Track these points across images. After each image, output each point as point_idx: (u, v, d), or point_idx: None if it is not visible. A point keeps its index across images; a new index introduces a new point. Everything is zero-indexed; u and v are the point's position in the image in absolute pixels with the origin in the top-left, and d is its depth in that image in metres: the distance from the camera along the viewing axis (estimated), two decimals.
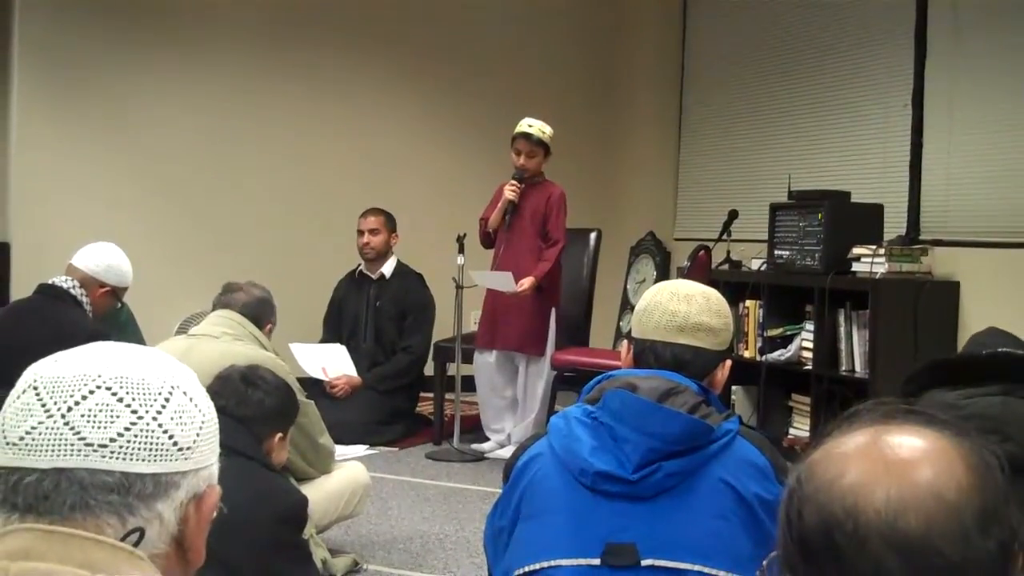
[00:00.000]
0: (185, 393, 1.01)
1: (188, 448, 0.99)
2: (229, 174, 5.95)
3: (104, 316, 3.59)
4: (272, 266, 5.82)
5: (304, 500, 2.46)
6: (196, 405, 1.01)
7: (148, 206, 5.80)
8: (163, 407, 0.98)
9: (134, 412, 0.97)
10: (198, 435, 1.00)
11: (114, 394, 0.96)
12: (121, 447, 0.95)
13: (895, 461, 0.84)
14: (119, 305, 3.69)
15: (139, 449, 0.96)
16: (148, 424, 0.97)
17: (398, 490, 4.26)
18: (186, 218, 5.88)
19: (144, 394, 0.98)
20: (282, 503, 2.39)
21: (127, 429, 0.96)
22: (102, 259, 3.56)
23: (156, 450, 0.97)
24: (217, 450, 1.04)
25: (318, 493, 3.01)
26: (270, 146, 6.02)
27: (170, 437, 0.98)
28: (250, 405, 2.50)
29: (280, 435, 2.55)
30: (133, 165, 5.77)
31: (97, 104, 5.71)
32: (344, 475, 3.20)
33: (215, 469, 1.04)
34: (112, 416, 0.96)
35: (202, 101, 5.89)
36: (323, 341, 5.38)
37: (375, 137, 6.25)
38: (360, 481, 3.24)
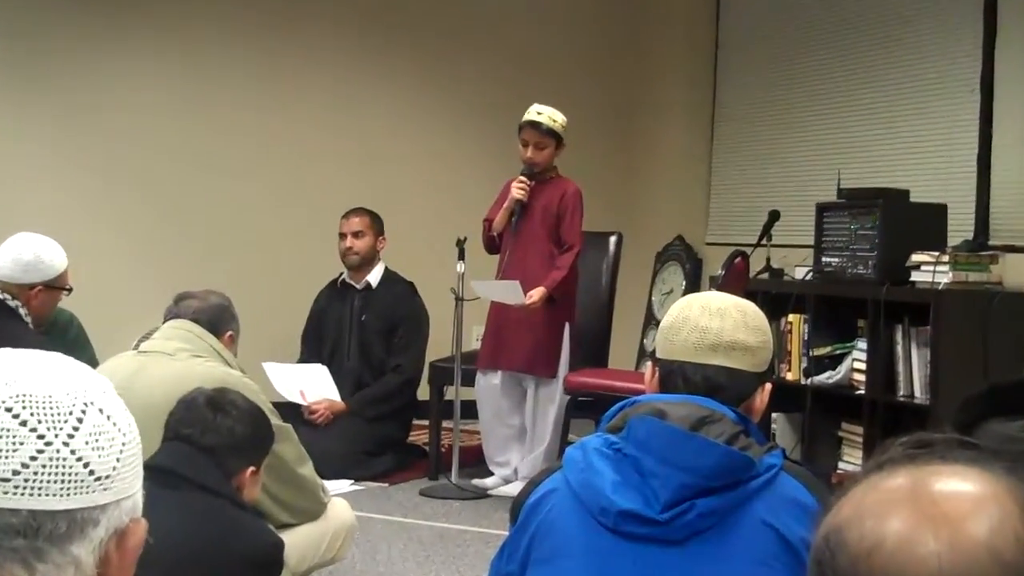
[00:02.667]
0: (101, 411, 0.96)
1: (107, 476, 0.95)
2: (202, 168, 5.97)
3: (52, 327, 3.58)
4: (248, 274, 5.83)
5: (279, 543, 2.45)
6: (115, 424, 0.97)
7: (108, 202, 5.83)
8: (75, 429, 0.94)
9: (41, 437, 0.92)
10: (118, 460, 0.96)
11: (15, 416, 0.92)
12: (27, 480, 0.91)
13: (942, 516, 0.80)
14: (67, 292, 3.65)
15: (49, 481, 0.92)
16: (58, 451, 0.92)
17: (388, 532, 4.25)
18: (151, 216, 5.90)
19: (52, 414, 0.93)
20: (253, 546, 2.38)
21: (33, 458, 0.91)
22: (14, 258, 3.52)
23: (69, 481, 0.92)
24: (141, 475, 1.00)
25: (295, 535, 3.00)
26: (247, 136, 6.05)
27: (85, 465, 0.94)
28: (218, 434, 2.49)
29: (253, 468, 2.54)
30: (92, 154, 5.79)
31: (53, 81, 5.72)
32: (325, 514, 3.19)
33: (139, 498, 0.99)
34: (14, 443, 0.91)
35: (176, 84, 5.92)
36: (302, 360, 5.38)
37: (364, 126, 6.27)
38: (344, 521, 3.23)
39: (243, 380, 2.96)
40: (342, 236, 5.40)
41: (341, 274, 5.47)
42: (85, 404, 0.95)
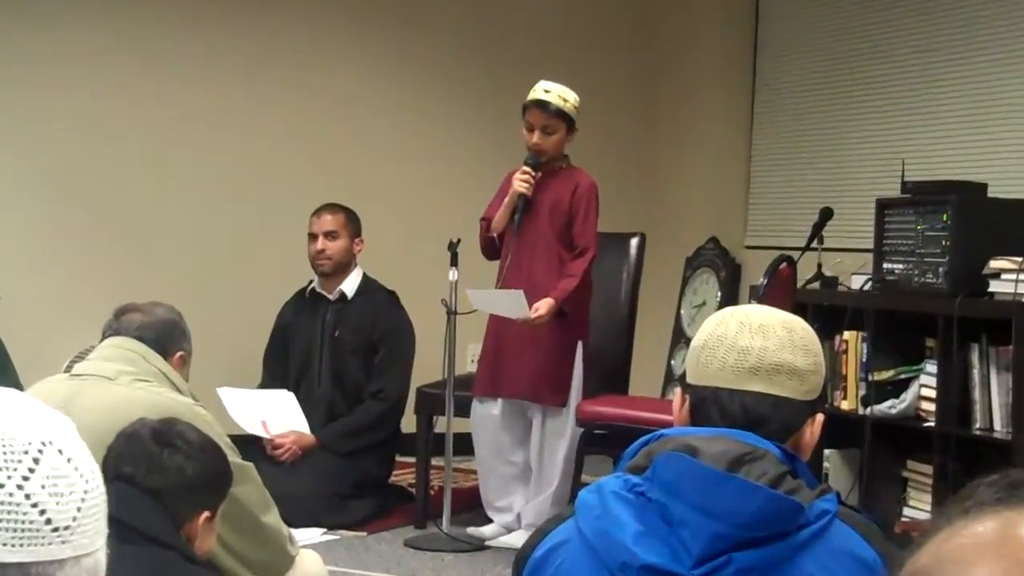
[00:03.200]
0: (61, 452, 0.98)
1: (66, 528, 0.97)
2: (145, 158, 5.98)
3: None
4: (200, 283, 5.84)
5: None
6: (76, 468, 0.99)
7: (31, 197, 5.82)
8: (31, 471, 0.96)
9: None
10: (79, 510, 0.98)
11: None
12: None
13: None
14: None
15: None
16: (11, 494, 0.95)
17: None
18: (85, 214, 5.91)
19: (4, 454, 0.96)
20: None
21: None
22: None
23: (23, 530, 0.94)
24: (104, 530, 1.02)
25: None
26: (198, 121, 6.06)
27: (41, 512, 0.96)
28: (166, 473, 2.49)
29: (207, 514, 2.54)
30: (8, 139, 5.79)
31: None
32: (293, 569, 3.18)
33: (102, 556, 1.01)
34: None
35: (113, 60, 5.92)
36: (264, 385, 5.38)
37: (337, 108, 6.29)
38: None
39: (195, 409, 2.96)
40: (312, 237, 5.40)
41: (310, 283, 5.47)
42: (43, 444, 0.97)
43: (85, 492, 0.99)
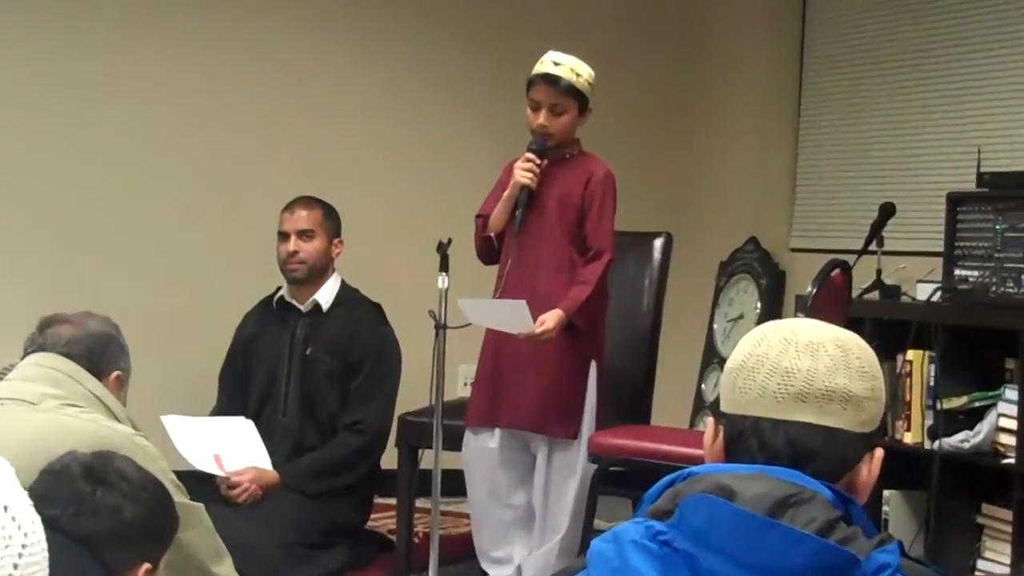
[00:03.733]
0: None
1: None
2: (77, 146, 5.99)
3: None
4: (143, 290, 5.84)
5: None
6: (14, 519, 1.02)
7: None
8: None
9: None
10: (15, 567, 1.01)
11: None
12: None
13: None
14: None
15: None
16: None
17: None
18: (2, 211, 5.91)
19: None
20: None
21: None
22: None
23: None
24: None
25: None
26: (144, 104, 6.07)
27: None
28: (99, 517, 2.48)
29: (147, 566, 2.53)
30: None
31: None
32: None
33: None
34: None
35: (46, 35, 5.91)
36: (219, 412, 5.37)
37: (307, 89, 6.31)
38: None
39: (135, 440, 2.96)
40: (283, 236, 5.39)
41: (279, 290, 5.46)
42: None
43: (23, 547, 1.02)
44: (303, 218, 5.38)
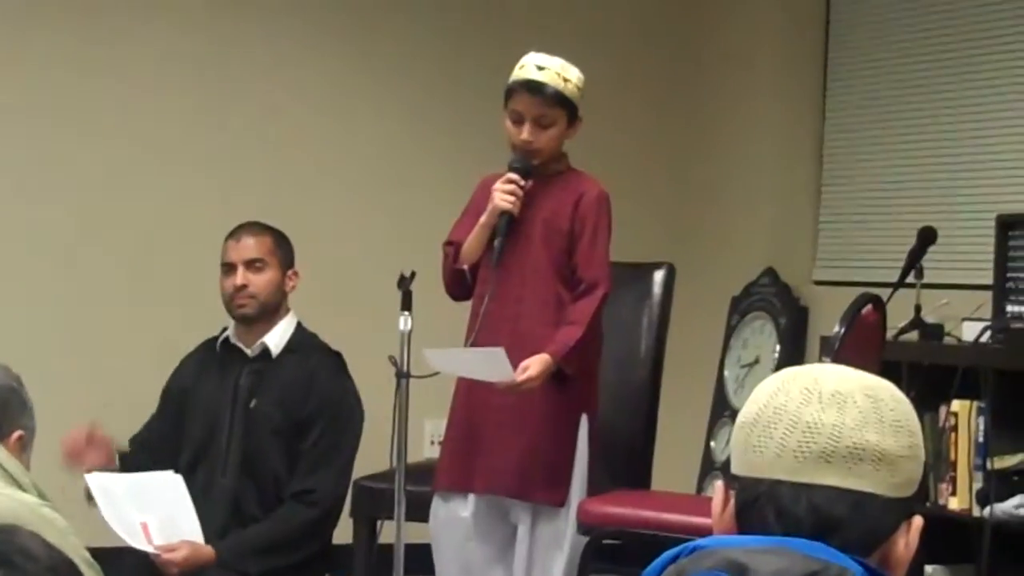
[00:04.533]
0: None
1: None
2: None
3: None
4: (53, 331, 5.82)
5: None
6: None
7: None
8: None
9: None
10: None
11: None
12: None
13: None
14: None
15: None
16: None
17: None
18: None
19: None
20: None
21: None
22: None
23: None
24: None
25: None
26: (59, 121, 6.11)
27: None
28: None
29: None
30: None
31: None
32: None
33: None
34: None
35: None
36: (140, 468, 5.33)
37: (251, 101, 6.33)
38: None
39: (42, 512, 2.95)
40: (228, 268, 5.36)
41: (223, 331, 5.44)
42: None
43: None
44: (251, 247, 5.36)
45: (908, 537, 1.81)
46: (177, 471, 5.27)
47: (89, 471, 4.99)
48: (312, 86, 6.40)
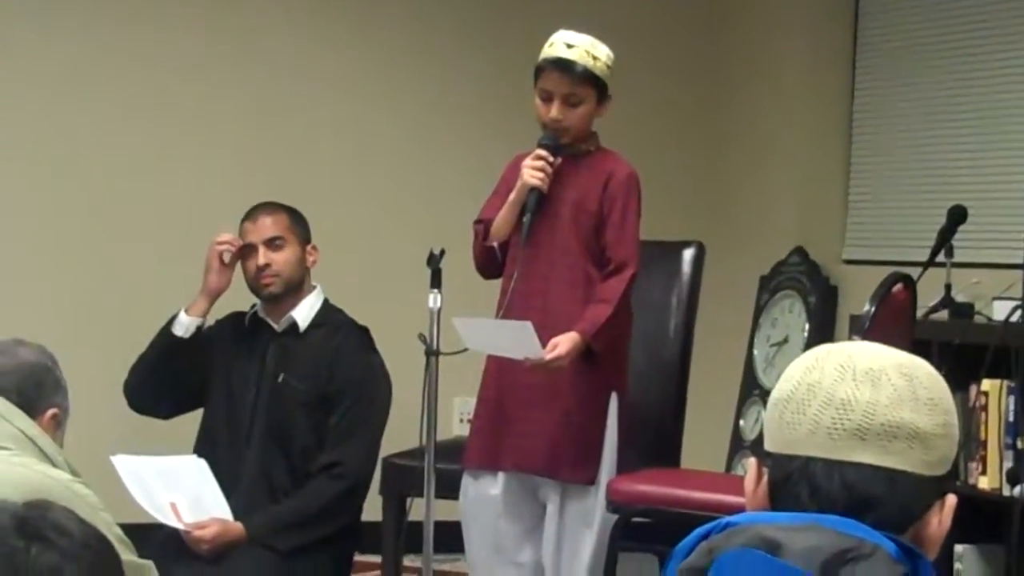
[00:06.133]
0: None
1: None
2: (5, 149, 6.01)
3: None
4: (83, 315, 5.83)
5: None
6: None
7: None
8: None
9: None
10: None
11: None
12: None
13: None
14: None
15: None
16: None
17: None
18: None
19: None
20: None
21: None
22: None
23: None
24: None
25: None
26: (81, 95, 6.09)
27: None
28: None
29: None
30: None
31: None
32: None
33: None
34: None
35: None
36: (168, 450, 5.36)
37: (277, 80, 6.32)
38: None
39: (75, 488, 2.96)
40: (248, 250, 5.38)
41: (253, 307, 5.45)
42: None
43: None
44: (268, 225, 5.37)
45: (941, 515, 1.81)
46: (205, 441, 5.30)
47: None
48: (341, 64, 6.39)
